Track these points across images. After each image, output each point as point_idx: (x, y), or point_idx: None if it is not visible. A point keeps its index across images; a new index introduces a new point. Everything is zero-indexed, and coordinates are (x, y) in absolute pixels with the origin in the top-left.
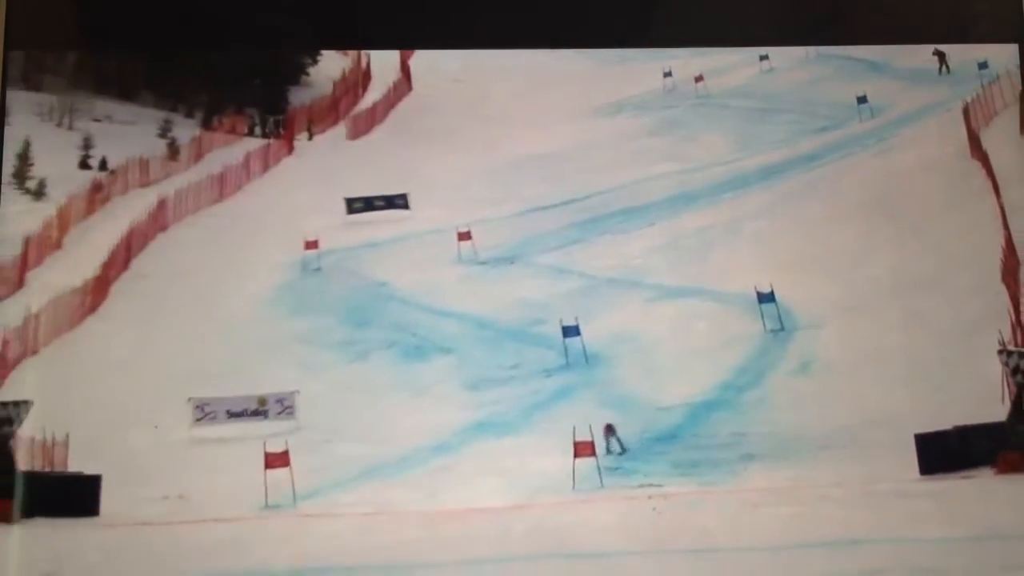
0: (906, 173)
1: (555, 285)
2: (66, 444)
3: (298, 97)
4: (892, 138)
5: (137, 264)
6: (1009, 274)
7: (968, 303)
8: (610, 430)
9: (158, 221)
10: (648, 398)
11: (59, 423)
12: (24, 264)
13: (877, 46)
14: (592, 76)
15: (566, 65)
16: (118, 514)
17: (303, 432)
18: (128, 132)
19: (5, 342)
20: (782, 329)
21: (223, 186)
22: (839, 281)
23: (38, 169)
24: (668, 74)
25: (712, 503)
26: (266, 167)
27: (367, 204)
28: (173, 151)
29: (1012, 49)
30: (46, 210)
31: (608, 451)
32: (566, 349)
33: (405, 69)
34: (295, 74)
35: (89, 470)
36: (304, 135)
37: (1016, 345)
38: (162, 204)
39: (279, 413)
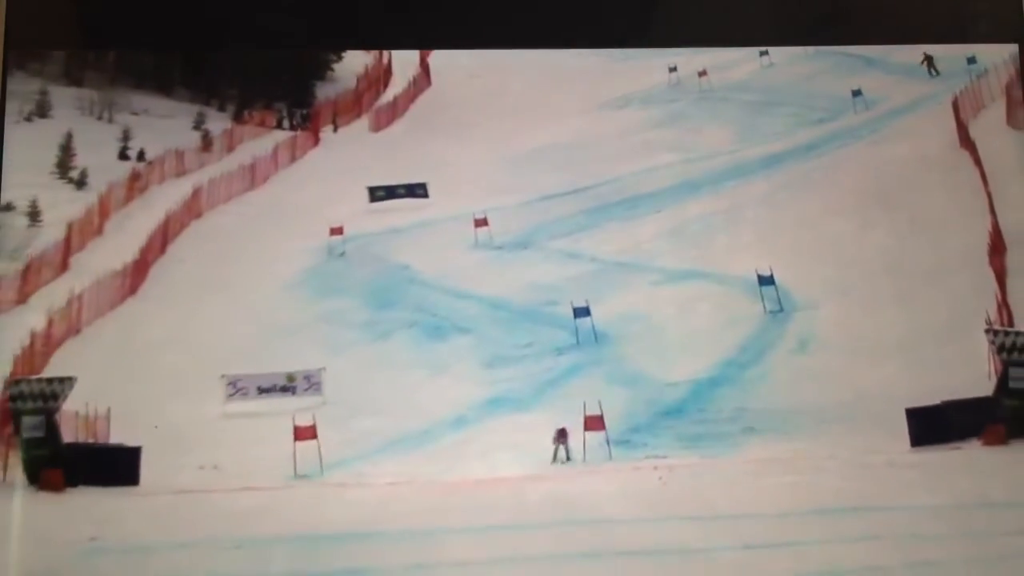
0: (898, 162)
1: (566, 269)
2: (108, 418)
3: (323, 92)
4: (885, 129)
5: (173, 249)
6: (996, 257)
7: (957, 285)
8: (562, 435)
9: (193, 209)
10: (655, 375)
11: (101, 398)
12: (68, 249)
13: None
14: (601, 72)
15: (576, 62)
16: (156, 483)
17: (329, 407)
18: (165, 125)
19: (51, 322)
20: (781, 310)
21: (253, 176)
22: (835, 264)
23: (80, 160)
24: (673, 69)
25: (715, 473)
26: (293, 158)
27: (389, 192)
28: (207, 143)
29: (1000, 45)
30: (88, 198)
31: (555, 459)
32: (577, 329)
33: (424, 65)
34: (320, 70)
35: (129, 442)
36: (329, 128)
37: (1002, 325)
38: (196, 193)
39: (306, 389)
